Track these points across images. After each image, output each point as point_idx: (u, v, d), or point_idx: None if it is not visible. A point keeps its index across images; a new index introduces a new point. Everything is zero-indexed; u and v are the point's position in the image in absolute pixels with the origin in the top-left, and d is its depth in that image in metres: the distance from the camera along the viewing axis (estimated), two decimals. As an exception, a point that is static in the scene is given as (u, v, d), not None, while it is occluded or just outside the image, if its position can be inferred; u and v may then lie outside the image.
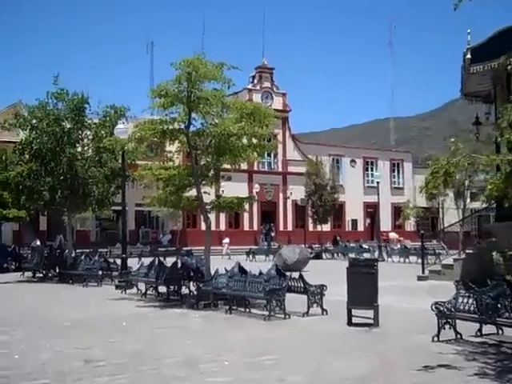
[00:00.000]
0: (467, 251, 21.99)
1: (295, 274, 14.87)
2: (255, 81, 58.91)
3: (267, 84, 59.48)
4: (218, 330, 12.31)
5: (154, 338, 11.30)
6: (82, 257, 24.59)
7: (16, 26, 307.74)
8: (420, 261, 34.23)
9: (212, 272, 16.38)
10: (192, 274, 17.59)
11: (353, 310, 12.52)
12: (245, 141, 16.74)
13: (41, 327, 12.76)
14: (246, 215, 57.31)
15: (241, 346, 10.50)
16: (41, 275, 26.25)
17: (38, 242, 35.85)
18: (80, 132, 24.70)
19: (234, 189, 54.80)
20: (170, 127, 16.21)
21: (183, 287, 17.66)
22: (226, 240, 44.79)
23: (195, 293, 16.33)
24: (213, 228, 56.64)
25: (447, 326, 10.57)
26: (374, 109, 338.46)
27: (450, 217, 58.61)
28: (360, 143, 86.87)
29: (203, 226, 57.56)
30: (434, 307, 10.61)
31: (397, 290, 18.69)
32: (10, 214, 29.94)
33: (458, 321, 10.56)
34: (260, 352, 9.86)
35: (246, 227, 57.49)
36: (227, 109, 16.56)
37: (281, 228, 59.25)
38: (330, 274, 27.97)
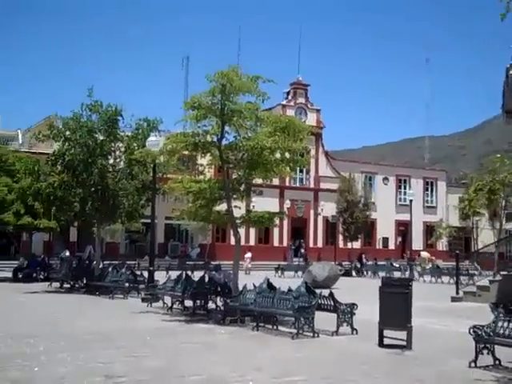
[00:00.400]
0: (503, 273, 21.29)
1: (325, 292, 14.42)
2: (289, 97, 58.76)
3: (301, 100, 59.25)
4: (245, 347, 11.94)
5: (179, 354, 10.97)
6: (110, 269, 24.44)
7: (52, 39, 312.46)
8: (453, 281, 33.81)
9: (240, 287, 16.04)
10: (219, 289, 17.26)
11: (384, 331, 12.04)
12: (278, 155, 16.40)
13: (63, 339, 12.50)
14: (275, 231, 56.93)
15: (267, 365, 10.10)
16: (68, 286, 26.16)
17: (68, 253, 35.97)
18: (112, 144, 24.63)
19: (265, 204, 54.79)
20: (202, 140, 15.96)
21: (210, 302, 17.38)
22: (249, 255, 43.91)
23: (222, 308, 16.01)
24: (242, 243, 56.69)
25: (485, 351, 10.06)
26: (408, 127, 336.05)
27: (484, 237, 57.59)
28: (393, 161, 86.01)
29: (232, 241, 57.16)
30: (471, 331, 10.11)
31: (430, 311, 18.09)
32: (40, 224, 29.93)
33: (496, 346, 10.04)
34: (287, 372, 9.47)
35: (276, 243, 57.11)
36: (261, 122, 16.23)
37: (311, 245, 58.67)
38: (360, 292, 27.50)
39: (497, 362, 10.06)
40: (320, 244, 59.00)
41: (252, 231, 54.52)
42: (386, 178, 63.03)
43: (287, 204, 57.01)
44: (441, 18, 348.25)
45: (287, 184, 57.46)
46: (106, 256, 44.81)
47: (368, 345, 12.09)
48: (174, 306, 18.09)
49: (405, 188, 63.26)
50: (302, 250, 57.03)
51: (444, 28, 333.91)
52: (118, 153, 24.79)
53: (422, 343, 11.88)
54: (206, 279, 18.04)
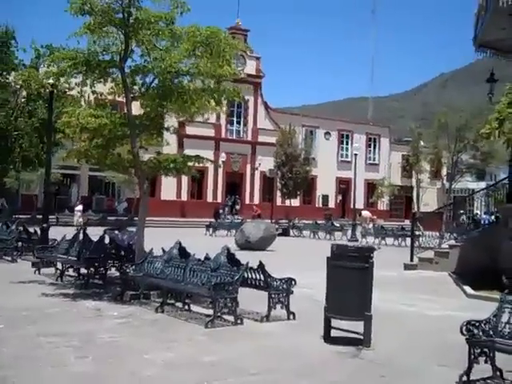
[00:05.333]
0: (465, 237, 18.37)
1: (254, 259, 10.89)
2: (227, 42, 54.39)
3: (240, 46, 54.98)
4: (138, 343, 8.30)
5: (31, 359, 7.31)
6: (-1, 225, 20.29)
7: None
8: (397, 243, 31.04)
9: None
10: (123, 253, 13.62)
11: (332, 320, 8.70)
12: (199, 83, 12.68)
13: None
14: (209, 185, 53.41)
15: (161, 376, 6.66)
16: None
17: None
18: (6, 75, 20.22)
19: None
20: (99, 58, 12.03)
21: (113, 270, 13.75)
22: (79, 207, 38.63)
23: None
24: (173, 198, 52.73)
25: (482, 358, 6.80)
26: (351, 87, 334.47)
27: (426, 197, 55.73)
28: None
29: (164, 195, 53.13)
30: (464, 329, 6.78)
31: (381, 282, 14.57)
32: None
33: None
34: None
35: (210, 199, 53.47)
36: (178, 41, 12.37)
37: (247, 201, 55.28)
38: (298, 255, 24.35)
39: (498, 374, 6.85)
40: (257, 201, 55.68)
41: (184, 183, 50.94)
42: (327, 133, 59.90)
43: (222, 157, 53.32)
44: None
45: (223, 136, 53.93)
46: (22, 210, 40.42)
47: (310, 338, 8.75)
48: (69, 273, 14.42)
49: (347, 144, 60.41)
50: (237, 207, 53.76)
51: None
52: (14, 86, 20.38)
53: (381, 335, 8.61)
54: (107, 240, 14.33)
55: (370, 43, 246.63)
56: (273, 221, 41.20)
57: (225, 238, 31.48)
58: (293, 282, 10.08)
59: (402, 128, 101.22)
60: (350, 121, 66.40)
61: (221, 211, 49.88)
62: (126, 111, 12.88)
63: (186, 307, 10.66)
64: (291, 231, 40.57)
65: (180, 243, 11.73)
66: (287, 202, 50.04)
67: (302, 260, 21.17)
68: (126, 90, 12.58)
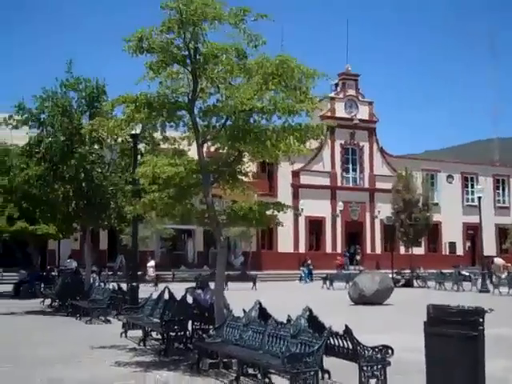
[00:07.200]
0: None
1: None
2: (338, 88, 53.38)
3: (351, 92, 53.80)
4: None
5: None
6: (97, 283, 19.66)
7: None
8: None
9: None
10: (207, 314, 12.24)
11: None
12: (277, 121, 11.20)
13: None
14: (328, 236, 51.65)
15: None
16: (59, 304, 21.53)
17: (73, 263, 30.92)
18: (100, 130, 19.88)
19: (315, 206, 49.77)
20: (162, 100, 10.90)
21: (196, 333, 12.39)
22: (152, 263, 35.99)
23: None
24: (290, 250, 51.49)
25: None
26: (473, 129, 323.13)
27: None
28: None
29: (281, 247, 52.07)
30: None
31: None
32: (37, 230, 25.55)
33: None
34: None
35: (329, 249, 51.60)
36: (251, 74, 10.99)
37: (368, 251, 52.98)
38: (418, 310, 21.87)
39: None
40: (378, 250, 53.25)
41: (301, 235, 49.83)
42: (450, 176, 56.75)
43: (340, 206, 51.71)
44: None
45: (339, 184, 52.41)
46: (140, 267, 40.58)
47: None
48: (154, 336, 13.29)
49: (472, 187, 56.71)
50: (358, 257, 51.48)
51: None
52: (108, 140, 19.93)
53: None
54: (190, 300, 13.04)
55: (493, 83, 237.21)
56: (394, 271, 38.72)
57: (343, 290, 29.51)
58: (389, 352, 8.23)
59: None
60: (474, 162, 62.82)
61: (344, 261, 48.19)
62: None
63: (267, 380, 9.06)
64: (415, 282, 37.94)
65: (260, 303, 10.19)
66: (411, 251, 47.26)
67: (421, 316, 18.94)
68: (197, 133, 11.39)
